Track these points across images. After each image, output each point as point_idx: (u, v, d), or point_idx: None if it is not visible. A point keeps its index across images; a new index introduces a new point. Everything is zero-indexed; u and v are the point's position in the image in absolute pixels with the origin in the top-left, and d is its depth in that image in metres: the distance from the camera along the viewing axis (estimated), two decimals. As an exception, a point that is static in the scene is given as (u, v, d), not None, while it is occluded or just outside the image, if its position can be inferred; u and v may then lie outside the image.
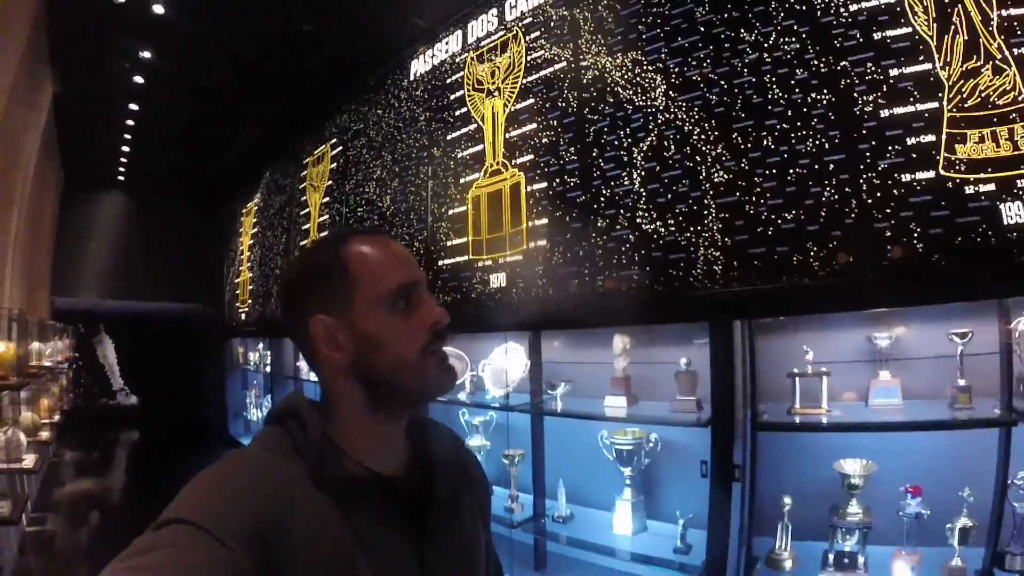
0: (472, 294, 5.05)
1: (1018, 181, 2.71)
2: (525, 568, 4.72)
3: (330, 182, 7.50)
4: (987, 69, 2.81)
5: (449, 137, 5.50)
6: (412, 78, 6.10)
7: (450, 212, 5.41)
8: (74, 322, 10.60)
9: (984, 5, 2.80)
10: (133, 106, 7.95)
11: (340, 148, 7.31)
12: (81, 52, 6.90)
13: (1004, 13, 2.73)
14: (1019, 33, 2.71)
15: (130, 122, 8.47)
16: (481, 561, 1.24)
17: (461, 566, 1.16)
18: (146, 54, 6.98)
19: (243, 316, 9.76)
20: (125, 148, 9.59)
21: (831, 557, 3.33)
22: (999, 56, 2.79)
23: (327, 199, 7.53)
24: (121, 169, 10.57)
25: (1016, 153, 2.73)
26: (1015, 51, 2.72)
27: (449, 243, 5.38)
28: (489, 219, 5.03)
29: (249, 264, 9.73)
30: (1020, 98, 2.72)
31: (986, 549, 2.99)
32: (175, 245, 11.27)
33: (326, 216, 7.45)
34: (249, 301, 9.59)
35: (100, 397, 11.68)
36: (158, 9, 5.87)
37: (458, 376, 1.15)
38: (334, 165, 7.42)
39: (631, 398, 4.08)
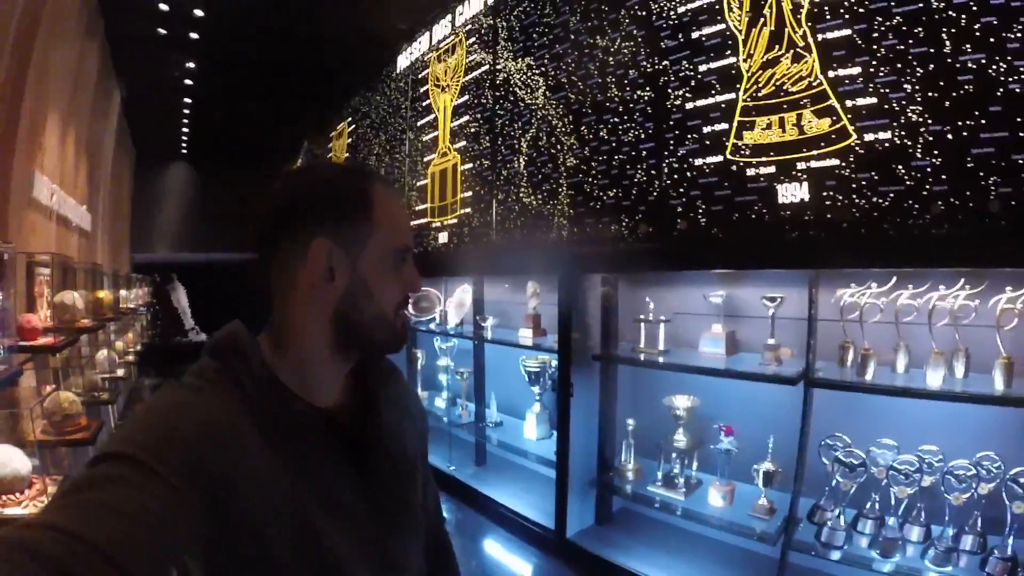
0: (429, 248, 5.73)
1: (797, 164, 2.85)
2: (469, 463, 5.38)
3: (347, 154, 8.10)
4: (787, 58, 2.90)
5: (419, 123, 6.13)
6: (399, 71, 6.64)
7: (417, 184, 6.10)
8: (151, 273, 11.34)
9: None
10: (188, 87, 8.68)
11: (353, 126, 7.88)
12: (139, 60, 7.72)
13: None
14: (827, 18, 2.74)
15: (187, 100, 9.24)
16: (416, 487, 1.18)
17: (402, 498, 1.10)
18: (190, 63, 7.81)
19: None
20: (184, 127, 10.46)
21: (659, 475, 3.69)
22: (802, 44, 2.85)
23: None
24: (184, 143, 11.43)
25: (801, 137, 2.84)
26: (819, 36, 2.77)
27: (417, 208, 6.08)
28: (439, 191, 5.72)
29: None
30: (814, 83, 2.81)
31: (792, 496, 3.03)
32: (233, 203, 11.19)
33: None
34: None
35: (175, 336, 12.13)
36: (199, 12, 6.51)
37: (407, 335, 1.09)
38: (350, 140, 7.99)
39: (538, 331, 4.55)
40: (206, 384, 0.91)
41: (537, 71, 4.38)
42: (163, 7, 6.32)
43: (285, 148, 10.59)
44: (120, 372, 6.13)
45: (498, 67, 4.84)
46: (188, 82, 8.14)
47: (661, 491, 3.64)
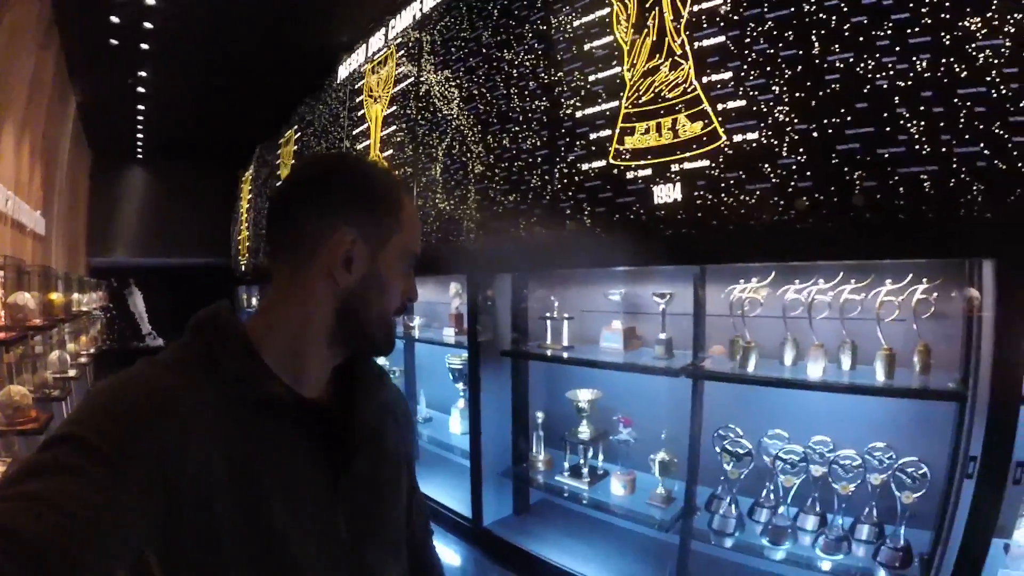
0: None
1: (672, 166, 2.89)
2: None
3: (293, 161, 8.03)
4: (665, 66, 2.93)
5: (354, 132, 6.08)
6: (338, 81, 6.59)
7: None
8: (108, 277, 11.05)
9: (679, 4, 2.88)
10: (141, 94, 8.48)
11: (299, 134, 7.80)
12: (94, 68, 7.60)
13: (695, 8, 2.80)
14: (704, 27, 2.77)
15: (140, 107, 9.05)
16: (400, 496, 1.10)
17: (377, 497, 1.02)
18: (142, 72, 7.69)
19: (243, 267, 10.39)
20: (139, 132, 10.25)
21: (567, 465, 3.70)
22: (680, 52, 2.88)
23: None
24: (139, 147, 11.20)
25: (675, 141, 2.88)
26: (696, 45, 2.80)
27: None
28: None
29: (247, 224, 10.28)
30: (689, 90, 2.84)
31: (687, 484, 3.03)
32: (189, 209, 11.68)
33: None
34: (247, 255, 10.16)
35: (131, 340, 11.79)
36: (148, 25, 6.42)
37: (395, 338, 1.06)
38: (296, 147, 7.92)
39: (461, 330, 4.40)
40: (175, 359, 0.86)
41: (453, 83, 4.39)
42: (114, 19, 6.24)
43: (238, 154, 10.47)
44: (72, 372, 5.99)
45: (422, 79, 4.83)
46: (141, 89, 8.00)
47: (568, 481, 3.62)
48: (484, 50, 4.07)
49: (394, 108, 5.28)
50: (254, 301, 10.14)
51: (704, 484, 3.04)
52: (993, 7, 1.92)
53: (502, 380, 4.13)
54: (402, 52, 5.21)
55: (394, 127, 5.27)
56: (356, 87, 6.14)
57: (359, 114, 6.02)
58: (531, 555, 3.57)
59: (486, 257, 4.05)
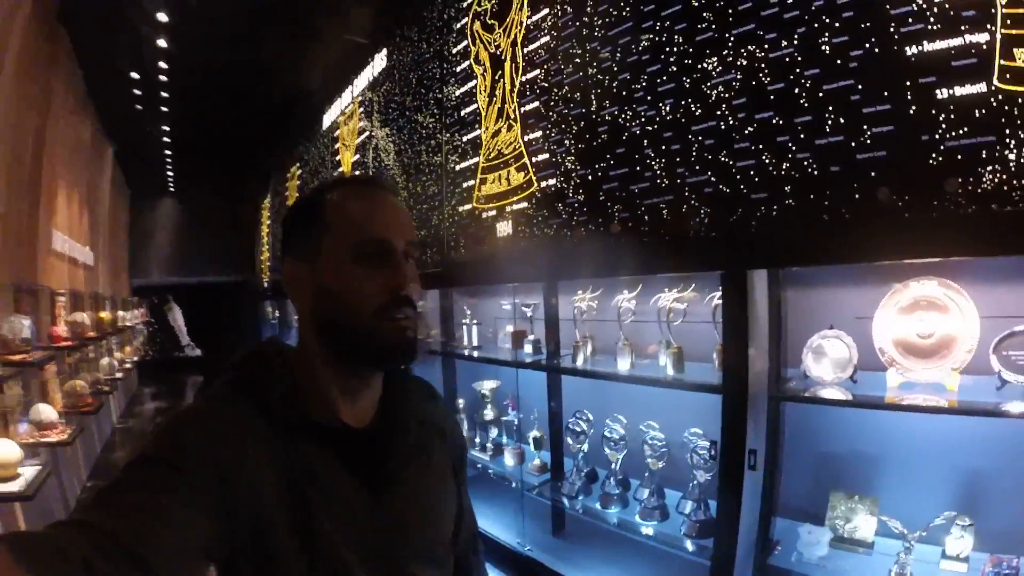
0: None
1: (506, 207, 3.20)
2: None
3: (297, 195, 8.26)
4: (504, 128, 3.19)
5: (335, 173, 6.39)
6: (324, 128, 6.92)
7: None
8: (148, 295, 11.57)
9: (514, 75, 3.12)
10: (166, 143, 9.19)
11: (300, 170, 8.12)
12: (124, 124, 8.25)
13: (523, 78, 3.04)
14: (527, 94, 3.01)
15: (167, 152, 9.74)
16: (445, 516, 1.00)
17: (421, 518, 0.93)
18: (165, 125, 8.30)
19: (265, 284, 10.71)
20: (169, 170, 10.87)
21: (477, 441, 3.93)
22: (513, 116, 3.12)
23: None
24: (170, 182, 11.82)
25: (508, 187, 3.18)
26: (522, 109, 3.05)
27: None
28: None
29: (267, 245, 10.60)
30: (517, 147, 3.09)
31: (551, 456, 3.28)
32: (217, 233, 12.09)
33: None
34: (268, 274, 10.51)
35: (171, 351, 12.02)
36: (163, 78, 6.88)
37: (409, 343, 0.88)
38: (298, 183, 8.20)
39: None
40: (228, 391, 0.84)
41: (390, 139, 4.79)
42: (134, 75, 6.69)
43: (255, 185, 10.88)
44: (119, 375, 6.72)
45: (373, 133, 5.22)
46: (167, 139, 8.51)
47: (477, 454, 3.88)
48: (407, 112, 4.45)
49: (358, 156, 5.67)
50: (277, 313, 10.42)
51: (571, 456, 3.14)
52: (729, 44, 2.00)
53: (434, 373, 4.38)
54: (361, 108, 5.59)
55: (358, 171, 5.64)
56: (334, 135, 6.50)
57: (337, 158, 6.39)
58: None
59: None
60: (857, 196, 1.71)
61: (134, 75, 6.69)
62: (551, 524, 3.37)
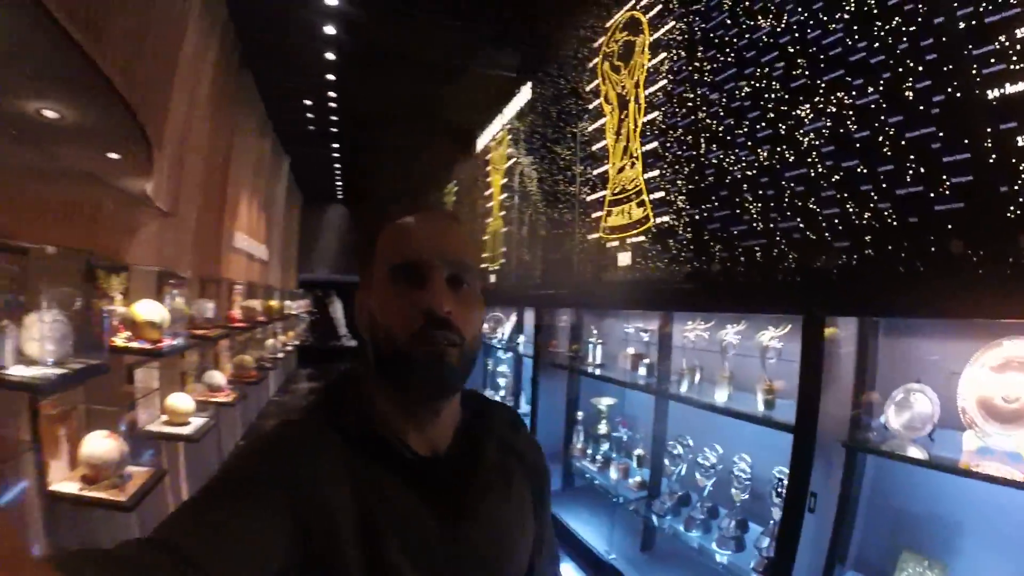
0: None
1: (627, 239, 3.35)
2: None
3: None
4: (628, 165, 3.32)
5: (485, 193, 6.88)
6: (477, 151, 7.41)
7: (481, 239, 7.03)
8: (314, 289, 12.78)
9: (637, 115, 3.23)
10: (335, 157, 10.18)
11: (456, 188, 8.73)
12: (299, 143, 9.34)
13: (645, 119, 3.17)
14: (647, 134, 3.14)
15: (336, 167, 10.79)
16: (521, 546, 0.94)
17: (496, 548, 0.88)
18: (335, 144, 9.28)
19: None
20: (337, 182, 11.91)
21: (588, 453, 4.16)
22: (635, 154, 3.25)
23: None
24: (338, 191, 12.90)
25: (629, 221, 3.32)
26: (643, 148, 3.18)
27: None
28: (491, 245, 6.71)
29: None
30: (638, 184, 3.23)
31: (651, 475, 3.18)
32: None
33: None
34: None
35: (329, 340, 12.93)
36: (333, 104, 7.72)
37: (445, 370, 0.80)
38: (454, 199, 8.81)
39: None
40: (309, 416, 0.85)
41: (533, 166, 5.06)
42: (307, 102, 7.55)
43: (416, 194, 11.56)
44: (280, 355, 7.83)
45: (518, 160, 5.55)
46: (335, 145, 9.41)
47: (588, 464, 4.08)
48: (547, 143, 4.69)
49: (506, 179, 6.01)
50: None
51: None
52: (820, 91, 2.03)
53: (559, 387, 4.66)
54: (510, 136, 5.92)
55: (504, 195, 6.03)
56: (486, 158, 6.92)
57: (488, 179, 6.81)
58: (567, 527, 4.00)
59: (547, 297, 4.69)
60: (933, 249, 1.68)
61: (307, 102, 7.58)
62: (641, 540, 3.45)
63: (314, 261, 13.63)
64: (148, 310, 3.02)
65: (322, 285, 13.16)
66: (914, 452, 1.88)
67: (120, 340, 2.91)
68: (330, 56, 5.93)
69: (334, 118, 7.95)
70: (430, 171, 9.77)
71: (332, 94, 7.10)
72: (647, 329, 3.70)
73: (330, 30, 5.39)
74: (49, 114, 1.93)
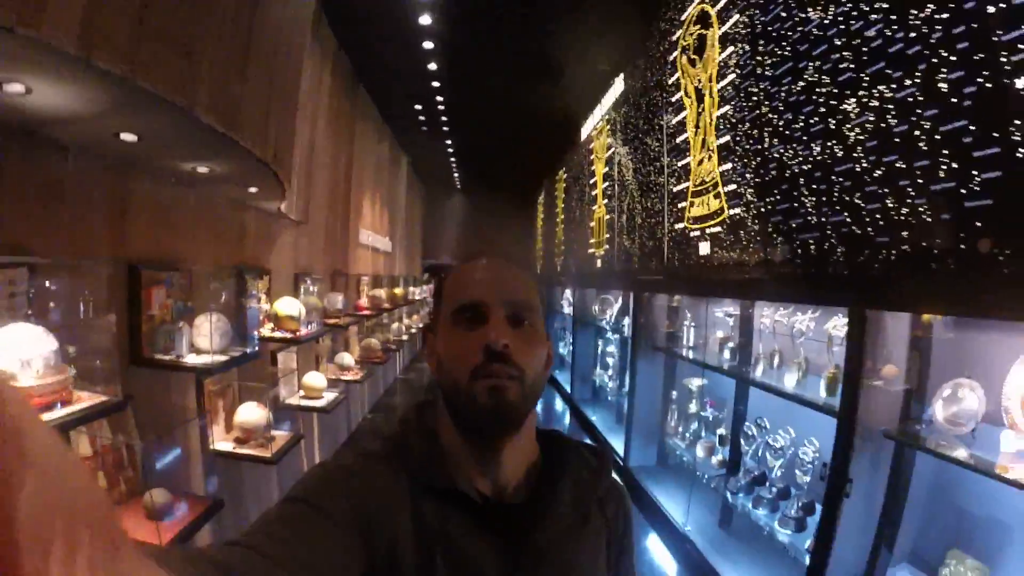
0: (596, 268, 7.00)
1: (706, 229, 3.39)
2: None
3: (563, 196, 9.13)
4: (705, 158, 3.36)
5: (591, 181, 6.97)
6: (581, 140, 7.53)
7: (588, 225, 7.28)
8: (437, 272, 13.39)
9: (711, 109, 3.26)
10: (450, 152, 10.66)
11: (565, 175, 8.88)
12: (415, 143, 9.88)
13: (717, 114, 3.19)
14: (721, 128, 3.14)
15: (452, 161, 11.22)
16: None
17: None
18: (448, 140, 9.71)
19: (539, 270, 11.67)
20: (455, 174, 12.44)
21: (680, 431, 4.29)
22: (711, 148, 3.28)
23: (562, 213, 9.32)
24: (457, 182, 13.46)
25: (707, 212, 3.35)
26: (717, 142, 3.20)
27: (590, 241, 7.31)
28: (598, 230, 6.94)
29: (540, 236, 11.75)
30: (713, 177, 3.26)
31: (729, 452, 3.15)
32: (496, 224, 13.56)
33: (562, 216, 9.29)
34: (542, 260, 11.51)
35: None
36: (441, 106, 8.02)
37: (506, 404, 0.77)
38: (564, 185, 9.00)
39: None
40: (378, 449, 0.84)
41: (628, 156, 5.14)
42: (417, 106, 7.95)
43: (529, 185, 12.07)
44: (404, 337, 8.44)
45: (616, 150, 5.63)
46: (450, 149, 9.90)
47: (677, 442, 4.24)
48: (639, 135, 4.75)
49: (607, 168, 6.11)
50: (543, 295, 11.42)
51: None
52: (864, 84, 2.01)
53: (655, 371, 4.88)
54: (608, 126, 6.00)
55: (606, 184, 6.13)
56: (590, 147, 7.01)
57: (592, 168, 6.90)
58: (647, 492, 4.33)
59: (639, 281, 4.83)
60: (962, 247, 1.64)
61: (417, 107, 8.01)
62: (719, 516, 3.54)
63: (438, 248, 14.33)
64: (287, 306, 3.54)
65: (445, 269, 13.79)
66: (956, 448, 1.84)
67: (266, 331, 3.46)
68: (432, 66, 6.29)
69: (444, 119, 8.33)
70: (541, 159, 10.01)
71: (439, 98, 7.48)
72: (733, 314, 3.73)
73: (428, 45, 5.74)
74: (202, 169, 2.42)
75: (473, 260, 0.89)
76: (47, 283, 1.64)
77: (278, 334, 3.44)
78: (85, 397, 1.53)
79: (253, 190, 3.00)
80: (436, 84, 6.81)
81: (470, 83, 6.72)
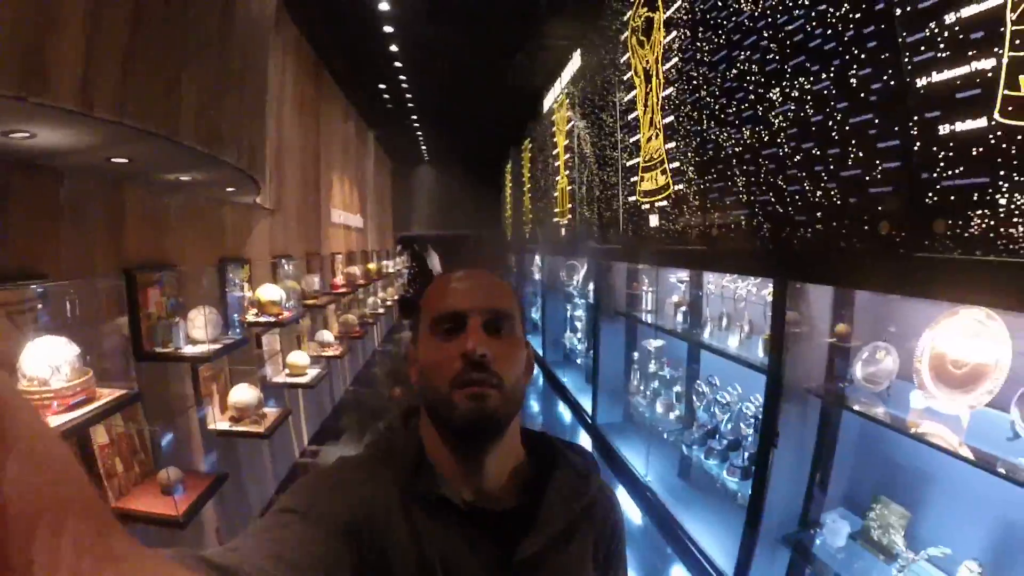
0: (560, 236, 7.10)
1: (655, 203, 3.59)
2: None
3: (529, 166, 9.26)
4: (653, 136, 3.53)
5: (553, 152, 7.10)
6: (544, 112, 7.65)
7: (553, 195, 7.41)
8: (411, 244, 13.41)
9: (658, 89, 3.38)
10: (416, 127, 10.67)
11: (531, 144, 8.96)
12: (380, 119, 9.85)
13: (663, 94, 3.33)
14: (666, 108, 3.30)
15: (419, 135, 11.24)
16: None
17: None
18: (414, 116, 9.66)
19: (508, 237, 11.99)
20: (422, 146, 12.39)
21: (641, 389, 4.53)
22: (658, 126, 3.45)
23: (528, 183, 9.39)
24: (424, 154, 13.39)
25: (656, 187, 3.54)
26: (663, 121, 3.37)
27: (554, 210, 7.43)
28: (560, 200, 7.08)
29: (509, 204, 11.84)
30: (660, 154, 3.44)
31: (684, 408, 3.44)
32: (467, 193, 13.67)
33: (529, 186, 9.35)
34: (511, 228, 11.68)
35: None
36: (405, 85, 8.11)
37: (484, 412, 0.78)
38: (530, 155, 9.07)
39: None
40: (364, 457, 0.85)
41: (586, 130, 5.23)
42: (381, 85, 8.01)
43: (495, 155, 12.10)
44: (381, 310, 8.60)
45: (575, 123, 5.73)
46: (414, 117, 9.87)
47: (640, 400, 4.48)
48: (595, 110, 4.84)
49: (568, 141, 6.22)
50: (515, 261, 11.53)
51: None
52: (787, 75, 2.12)
53: (618, 329, 5.13)
54: (568, 100, 6.07)
55: (568, 156, 6.25)
56: (551, 119, 7.10)
57: (554, 140, 7.01)
58: (614, 451, 4.61)
59: (600, 251, 5.04)
60: (866, 228, 1.83)
61: (381, 86, 8.04)
62: (678, 467, 3.82)
63: (410, 220, 14.31)
64: (269, 292, 3.69)
65: (419, 240, 13.84)
66: (876, 406, 2.04)
67: (251, 316, 3.63)
68: (393, 48, 6.32)
69: (408, 96, 8.35)
70: (507, 130, 10.09)
71: (402, 77, 7.53)
72: (684, 280, 3.93)
73: (388, 28, 5.78)
74: (185, 178, 2.56)
75: (447, 274, 0.90)
76: (59, 298, 1.79)
77: (262, 319, 3.60)
78: (105, 393, 1.70)
79: (231, 190, 3.13)
80: (398, 64, 6.83)
81: (431, 60, 6.73)
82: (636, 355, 4.75)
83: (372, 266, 8.70)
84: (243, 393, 2.99)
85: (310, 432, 5.24)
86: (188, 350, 2.51)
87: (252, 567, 0.61)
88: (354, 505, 0.76)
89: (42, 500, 0.25)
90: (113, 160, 1.91)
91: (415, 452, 0.84)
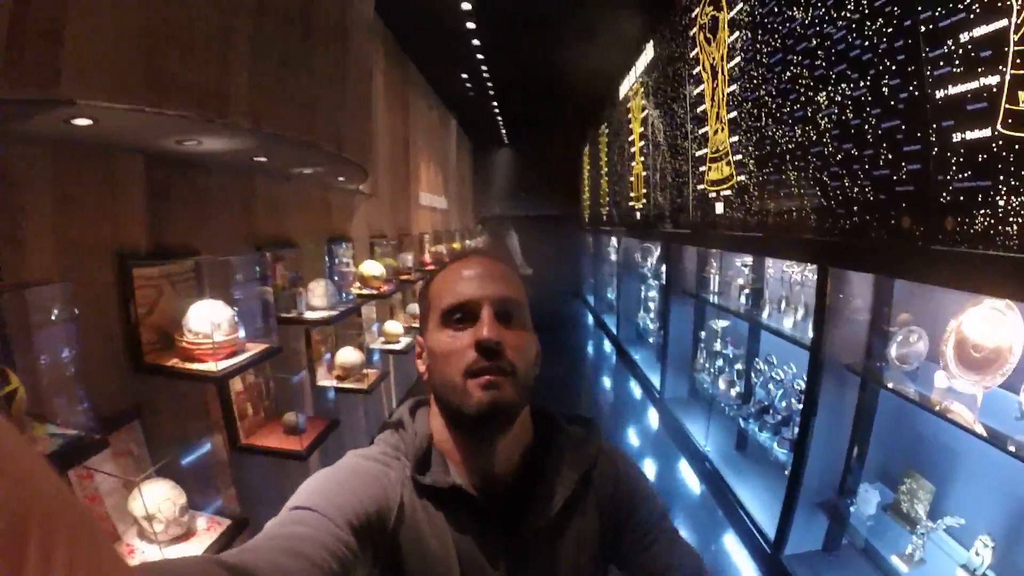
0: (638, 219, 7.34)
1: (720, 192, 3.78)
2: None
3: (606, 149, 9.47)
4: (719, 129, 3.72)
5: (629, 139, 7.25)
6: (620, 98, 7.79)
7: (628, 180, 7.59)
8: (491, 224, 13.71)
9: (723, 85, 3.56)
10: (496, 112, 10.82)
11: (607, 128, 9.15)
12: (463, 106, 10.21)
13: (727, 91, 3.51)
14: (730, 104, 3.47)
15: (499, 118, 11.40)
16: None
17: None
18: (495, 103, 9.87)
19: (586, 217, 12.13)
20: (502, 129, 12.53)
21: (706, 367, 4.76)
22: (724, 121, 3.62)
23: (605, 166, 9.56)
24: (504, 137, 13.51)
25: (721, 177, 3.73)
26: (728, 116, 3.55)
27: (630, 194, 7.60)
28: (636, 184, 7.25)
29: (587, 186, 12.06)
30: (724, 147, 3.63)
31: (744, 385, 3.62)
32: (547, 175, 13.73)
33: (606, 169, 9.50)
34: (588, 209, 11.87)
35: None
36: (486, 74, 8.20)
37: (501, 401, 0.77)
38: (607, 138, 9.27)
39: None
40: (375, 451, 0.85)
41: (659, 119, 5.43)
42: (463, 76, 8.27)
43: (573, 138, 12.37)
44: None
45: (649, 112, 5.92)
46: (494, 103, 10.15)
47: (704, 376, 4.72)
48: (667, 100, 5.03)
49: (642, 128, 6.40)
50: (591, 241, 11.73)
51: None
52: (832, 81, 2.30)
53: (687, 309, 5.35)
54: (642, 88, 6.27)
55: (642, 143, 6.44)
56: (627, 106, 7.26)
57: (629, 126, 7.19)
58: (679, 423, 4.90)
59: (670, 235, 5.28)
60: (892, 222, 2.03)
61: (463, 75, 8.33)
62: (735, 440, 4.06)
63: (489, 199, 14.63)
64: (370, 268, 4.17)
65: (500, 219, 14.10)
66: (908, 384, 2.22)
67: (355, 289, 4.15)
68: (476, 42, 6.56)
69: (489, 84, 8.60)
70: (584, 114, 10.31)
71: (484, 67, 7.75)
72: (747, 264, 4.11)
73: (471, 25, 6.02)
74: (307, 171, 3.02)
75: (456, 260, 0.88)
76: (216, 269, 2.26)
77: (365, 291, 4.10)
78: (251, 347, 2.17)
79: (341, 179, 3.62)
80: (480, 56, 7.10)
81: (510, 48, 6.93)
82: (703, 334, 4.94)
83: (455, 244, 9.19)
84: (349, 354, 3.45)
85: (398, 395, 5.67)
86: (309, 315, 2.98)
87: (268, 564, 0.62)
88: (367, 499, 0.76)
89: (33, 519, 0.25)
90: (255, 159, 2.37)
91: (424, 444, 0.84)
